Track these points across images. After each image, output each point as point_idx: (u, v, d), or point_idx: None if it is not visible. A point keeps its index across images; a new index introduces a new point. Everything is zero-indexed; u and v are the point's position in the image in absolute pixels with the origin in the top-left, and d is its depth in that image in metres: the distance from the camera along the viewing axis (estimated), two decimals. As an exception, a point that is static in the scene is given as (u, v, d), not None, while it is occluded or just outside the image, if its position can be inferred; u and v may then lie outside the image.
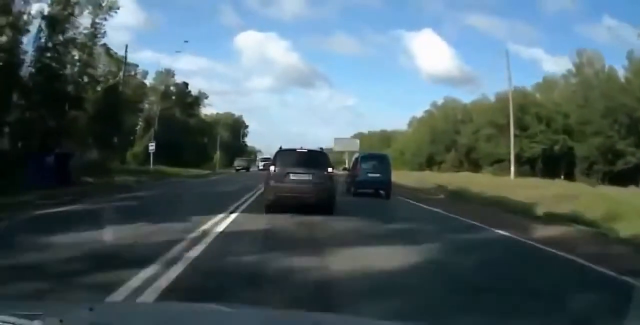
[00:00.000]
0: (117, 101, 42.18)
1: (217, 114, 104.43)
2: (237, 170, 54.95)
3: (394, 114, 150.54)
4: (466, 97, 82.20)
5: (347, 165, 28.22)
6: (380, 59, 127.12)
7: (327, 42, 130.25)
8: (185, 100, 67.66)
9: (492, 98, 70.92)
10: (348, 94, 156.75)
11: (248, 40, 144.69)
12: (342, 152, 61.92)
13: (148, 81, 64.29)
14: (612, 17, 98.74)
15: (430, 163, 69.19)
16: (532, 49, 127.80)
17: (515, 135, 51.12)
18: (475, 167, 67.25)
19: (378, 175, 20.22)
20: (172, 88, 67.13)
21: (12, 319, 1.55)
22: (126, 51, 45.59)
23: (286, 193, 11.72)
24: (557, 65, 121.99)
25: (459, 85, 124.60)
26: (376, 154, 26.84)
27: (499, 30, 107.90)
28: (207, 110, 79.39)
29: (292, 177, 11.97)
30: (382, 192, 20.29)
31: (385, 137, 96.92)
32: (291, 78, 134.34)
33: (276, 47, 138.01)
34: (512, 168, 40.76)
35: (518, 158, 42.63)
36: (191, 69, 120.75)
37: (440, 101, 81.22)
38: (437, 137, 71.15)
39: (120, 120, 38.69)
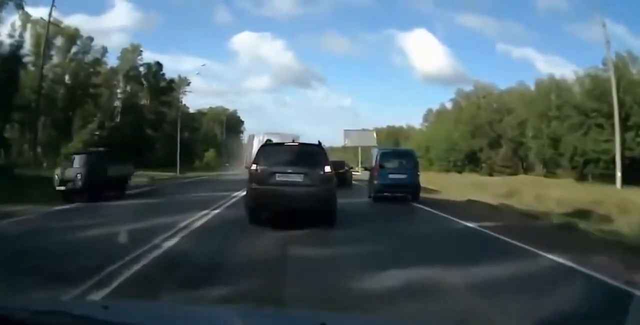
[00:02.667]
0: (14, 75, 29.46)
1: (210, 108, 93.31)
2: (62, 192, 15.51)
3: (394, 113, 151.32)
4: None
5: (359, 163, 24.35)
6: (376, 58, 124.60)
7: (322, 43, 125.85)
8: (158, 85, 53.89)
9: (531, 85, 62.06)
10: (344, 94, 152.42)
11: (244, 42, 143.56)
12: (354, 148, 48.61)
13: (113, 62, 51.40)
14: (604, 15, 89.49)
15: (470, 162, 55.20)
16: (523, 49, 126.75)
17: (601, 127, 37.19)
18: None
19: (403, 176, 16.27)
20: (141, 69, 53.49)
21: (28, 316, 1.57)
22: (52, 6, 31.57)
23: (271, 199, 9.62)
24: (548, 64, 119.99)
25: (454, 84, 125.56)
26: (400, 150, 23.67)
27: (491, 30, 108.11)
28: (199, 103, 66.55)
29: (278, 178, 9.64)
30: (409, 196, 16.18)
31: (393, 133, 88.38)
32: (288, 78, 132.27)
33: (272, 48, 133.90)
34: (619, 173, 26.81)
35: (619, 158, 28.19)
36: (189, 69, 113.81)
37: (467, 88, 70.59)
38: (478, 130, 57.17)
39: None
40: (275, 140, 19.12)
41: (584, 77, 51.36)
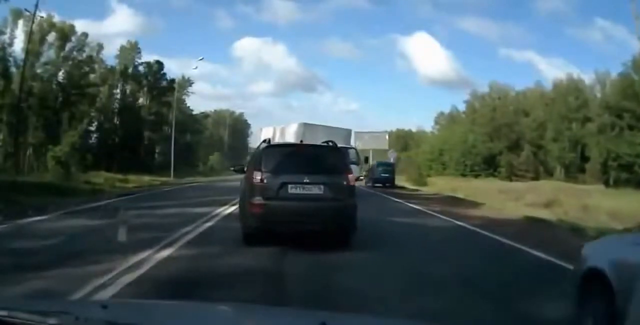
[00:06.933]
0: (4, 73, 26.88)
1: (215, 111, 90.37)
2: None
3: (401, 117, 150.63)
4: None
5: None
6: (380, 63, 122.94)
7: (325, 48, 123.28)
8: (158, 85, 51.02)
9: (549, 86, 59.49)
10: (351, 98, 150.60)
11: (248, 47, 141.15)
12: (364, 151, 45.48)
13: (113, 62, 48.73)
14: (604, 18, 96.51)
15: (489, 166, 51.76)
16: (525, 52, 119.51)
17: (632, 128, 34.02)
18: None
19: (387, 174, 31.96)
20: (140, 68, 50.60)
21: (28, 317, 1.57)
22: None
23: (284, 218, 7.45)
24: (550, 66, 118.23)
25: (458, 87, 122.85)
26: (386, 162, 35.89)
27: (493, 33, 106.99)
28: (206, 108, 63.93)
29: (291, 190, 7.54)
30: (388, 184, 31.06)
31: (402, 136, 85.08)
32: (293, 83, 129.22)
33: (275, 53, 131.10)
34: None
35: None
36: (194, 73, 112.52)
37: (481, 90, 67.30)
38: (496, 133, 53.81)
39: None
40: (310, 137, 16.31)
41: (604, 76, 48.41)
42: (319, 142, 9.02)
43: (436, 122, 77.39)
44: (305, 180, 7.58)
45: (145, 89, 50.90)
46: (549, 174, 50.45)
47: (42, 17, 32.50)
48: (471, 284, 5.82)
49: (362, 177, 23.12)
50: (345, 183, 7.78)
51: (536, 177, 44.89)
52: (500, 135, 54.48)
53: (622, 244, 3.56)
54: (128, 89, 49.94)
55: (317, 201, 7.57)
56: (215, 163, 76.80)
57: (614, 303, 3.21)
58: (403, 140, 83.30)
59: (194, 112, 66.04)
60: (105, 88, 46.69)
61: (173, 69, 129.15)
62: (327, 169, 7.86)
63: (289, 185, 7.56)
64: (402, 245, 8.67)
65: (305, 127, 20.01)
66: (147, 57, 55.53)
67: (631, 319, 3.04)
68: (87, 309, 2.00)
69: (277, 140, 19.70)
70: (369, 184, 30.15)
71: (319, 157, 8.24)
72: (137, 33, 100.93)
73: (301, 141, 11.11)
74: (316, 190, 7.61)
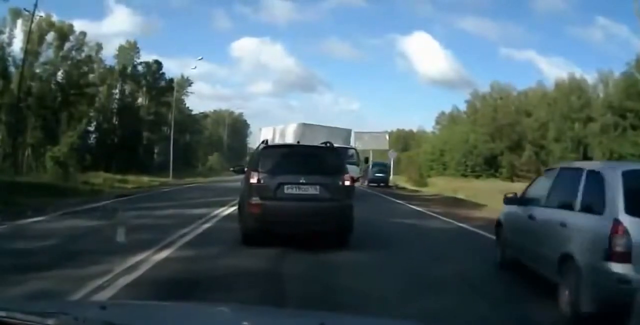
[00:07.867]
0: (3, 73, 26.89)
1: (214, 111, 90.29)
2: None
3: (402, 117, 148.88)
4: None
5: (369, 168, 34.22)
6: (380, 63, 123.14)
7: (325, 48, 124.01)
8: (157, 85, 50.94)
9: (551, 86, 59.30)
10: (351, 98, 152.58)
11: (246, 47, 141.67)
12: (364, 151, 45.35)
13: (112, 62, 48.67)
14: (606, 17, 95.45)
15: (490, 166, 51.85)
16: (525, 51, 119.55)
17: (634, 128, 34.23)
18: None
19: (382, 174, 34.14)
20: (139, 68, 50.51)
21: (26, 317, 1.57)
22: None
23: (280, 218, 7.53)
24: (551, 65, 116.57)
25: (458, 87, 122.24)
26: (381, 162, 37.40)
27: (493, 32, 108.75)
28: (205, 108, 63.82)
29: (287, 190, 7.62)
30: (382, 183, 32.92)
31: (403, 136, 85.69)
32: (293, 83, 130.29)
33: (274, 53, 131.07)
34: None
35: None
36: (193, 73, 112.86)
37: (482, 90, 67.33)
38: (498, 133, 53.73)
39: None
40: (309, 137, 16.33)
41: (607, 75, 48.38)
42: (318, 143, 9.04)
43: (437, 122, 77.43)
44: (301, 181, 7.64)
45: (144, 89, 50.83)
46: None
47: (41, 16, 32.48)
48: (472, 285, 5.81)
49: (359, 177, 22.95)
50: (341, 183, 7.83)
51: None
52: (502, 135, 54.34)
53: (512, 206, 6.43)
54: (127, 89, 49.83)
55: (313, 201, 7.63)
56: (215, 163, 76.69)
57: (505, 237, 6.48)
58: (404, 140, 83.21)
59: (193, 112, 66.20)
60: (104, 88, 46.58)
61: (172, 69, 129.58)
62: (323, 169, 7.91)
63: (286, 186, 7.62)
64: (403, 246, 8.58)
65: (305, 127, 19.92)
66: (146, 57, 55.27)
67: (510, 241, 6.26)
68: (86, 310, 2.00)
69: (277, 140, 19.62)
70: (365, 184, 30.49)
71: (316, 157, 8.30)
72: (136, 33, 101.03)
73: (298, 142, 11.22)
74: (312, 190, 7.67)
